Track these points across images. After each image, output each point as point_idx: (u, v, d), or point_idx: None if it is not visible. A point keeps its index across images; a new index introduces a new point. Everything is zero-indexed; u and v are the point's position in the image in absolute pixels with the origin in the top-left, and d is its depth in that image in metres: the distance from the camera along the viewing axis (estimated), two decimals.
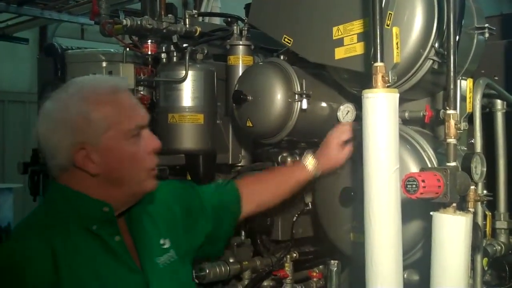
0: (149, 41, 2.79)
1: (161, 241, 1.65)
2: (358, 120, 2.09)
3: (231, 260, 2.65)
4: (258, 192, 2.09)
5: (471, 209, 1.90)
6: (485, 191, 2.15)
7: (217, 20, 3.46)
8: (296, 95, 2.34)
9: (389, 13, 1.97)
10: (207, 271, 2.49)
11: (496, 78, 2.52)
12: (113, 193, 1.53)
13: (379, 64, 1.73)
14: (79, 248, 1.48)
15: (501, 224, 2.29)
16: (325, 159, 2.17)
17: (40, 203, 1.61)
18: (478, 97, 2.17)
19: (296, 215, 2.68)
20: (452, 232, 1.69)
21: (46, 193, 1.61)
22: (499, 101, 2.37)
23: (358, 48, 2.05)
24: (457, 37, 1.86)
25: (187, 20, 2.85)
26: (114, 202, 1.54)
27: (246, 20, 2.80)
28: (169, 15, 2.81)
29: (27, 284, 1.42)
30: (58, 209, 1.52)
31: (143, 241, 1.60)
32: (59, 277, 1.42)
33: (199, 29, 2.85)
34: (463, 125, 2.09)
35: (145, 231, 1.63)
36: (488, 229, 2.18)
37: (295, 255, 2.75)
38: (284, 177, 2.18)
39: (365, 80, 1.82)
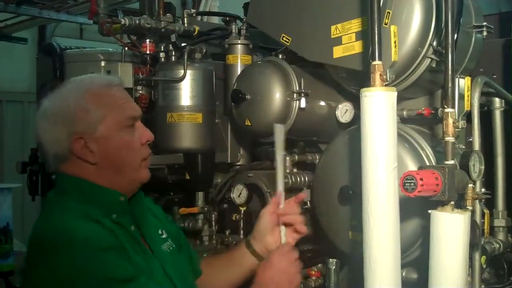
0: (148, 40, 2.79)
1: (160, 231, 1.74)
2: (357, 119, 2.08)
3: None
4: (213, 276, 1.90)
5: (469, 207, 1.90)
6: (483, 189, 2.16)
7: (215, 19, 3.46)
8: (295, 94, 2.34)
9: (387, 12, 1.97)
10: None
11: (494, 76, 2.51)
12: (113, 181, 1.59)
13: (377, 62, 1.73)
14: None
15: (499, 222, 2.29)
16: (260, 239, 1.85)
17: (50, 199, 1.62)
18: (476, 96, 2.17)
19: None
20: (450, 230, 1.69)
21: (56, 187, 1.63)
22: (497, 99, 2.37)
23: (356, 47, 2.05)
24: (455, 36, 1.86)
25: (185, 19, 2.85)
26: (119, 190, 1.60)
27: (244, 19, 2.80)
28: (167, 14, 2.80)
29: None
30: (75, 202, 1.55)
31: (148, 231, 1.68)
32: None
33: (197, 28, 2.85)
34: (461, 123, 2.09)
35: (148, 222, 1.71)
36: (486, 227, 2.18)
37: None
38: (234, 266, 1.89)
39: (363, 78, 1.82)
